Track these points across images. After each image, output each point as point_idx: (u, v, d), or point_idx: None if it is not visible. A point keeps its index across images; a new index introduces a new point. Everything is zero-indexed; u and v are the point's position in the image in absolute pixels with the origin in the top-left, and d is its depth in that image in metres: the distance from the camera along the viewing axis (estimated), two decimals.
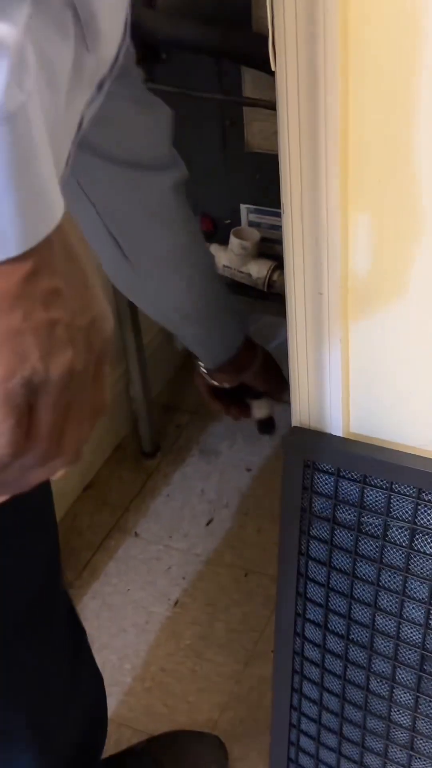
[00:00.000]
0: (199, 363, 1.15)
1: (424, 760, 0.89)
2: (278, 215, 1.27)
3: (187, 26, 1.10)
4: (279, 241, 1.30)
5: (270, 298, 1.35)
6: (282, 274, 1.29)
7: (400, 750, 0.91)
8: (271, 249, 1.31)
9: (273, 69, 0.68)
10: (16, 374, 0.46)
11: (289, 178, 0.71)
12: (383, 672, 0.88)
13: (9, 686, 0.88)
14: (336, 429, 0.84)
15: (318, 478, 0.85)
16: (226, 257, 1.30)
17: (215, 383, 1.14)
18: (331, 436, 0.84)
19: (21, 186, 0.43)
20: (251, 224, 1.30)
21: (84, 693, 1.03)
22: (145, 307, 1.09)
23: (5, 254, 0.43)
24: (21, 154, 0.43)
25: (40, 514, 0.86)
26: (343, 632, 0.89)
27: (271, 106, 1.11)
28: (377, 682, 0.89)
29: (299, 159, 0.69)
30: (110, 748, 1.29)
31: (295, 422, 0.86)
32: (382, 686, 0.89)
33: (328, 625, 0.90)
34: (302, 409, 0.85)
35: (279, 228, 1.28)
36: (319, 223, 0.72)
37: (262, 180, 1.24)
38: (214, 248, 1.32)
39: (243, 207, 1.29)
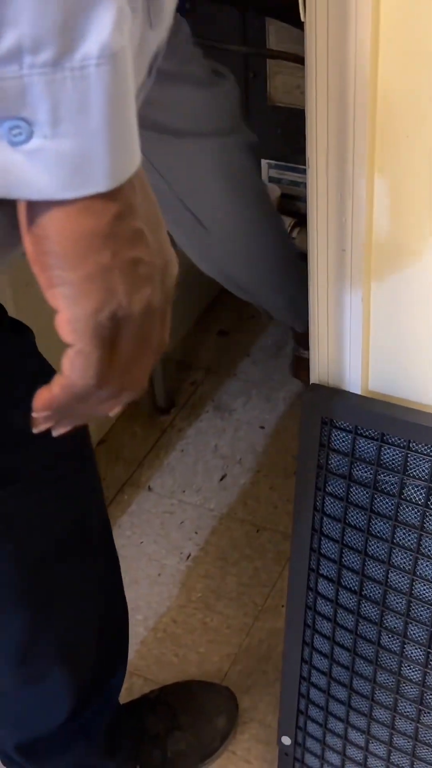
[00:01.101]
0: (302, 352, 1.18)
1: None
2: (299, 171, 1.26)
3: None
4: (299, 198, 1.30)
5: None
6: (301, 231, 1.28)
7: (410, 704, 0.92)
8: (291, 205, 1.30)
9: (302, 20, 0.67)
10: (105, 308, 0.49)
11: (316, 132, 0.70)
12: (395, 627, 0.89)
13: (42, 605, 0.91)
14: (354, 387, 0.84)
15: (335, 435, 0.86)
16: None
17: None
18: (349, 393, 0.84)
19: (115, 124, 0.45)
20: (271, 180, 1.29)
21: (111, 619, 1.05)
22: (223, 279, 1.12)
23: (96, 188, 0.45)
24: (119, 94, 0.44)
25: (79, 444, 0.88)
26: (356, 588, 0.90)
27: (296, 59, 1.09)
28: (389, 637, 0.90)
29: (326, 113, 0.69)
30: (123, 696, 1.31)
31: (313, 379, 0.86)
32: (394, 642, 0.90)
33: (341, 581, 0.91)
34: (321, 366, 0.85)
35: (299, 184, 1.28)
36: (344, 179, 0.71)
37: (284, 135, 1.23)
38: None
39: (264, 162, 1.28)
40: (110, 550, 1.01)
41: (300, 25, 1.03)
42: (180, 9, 1.19)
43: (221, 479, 1.61)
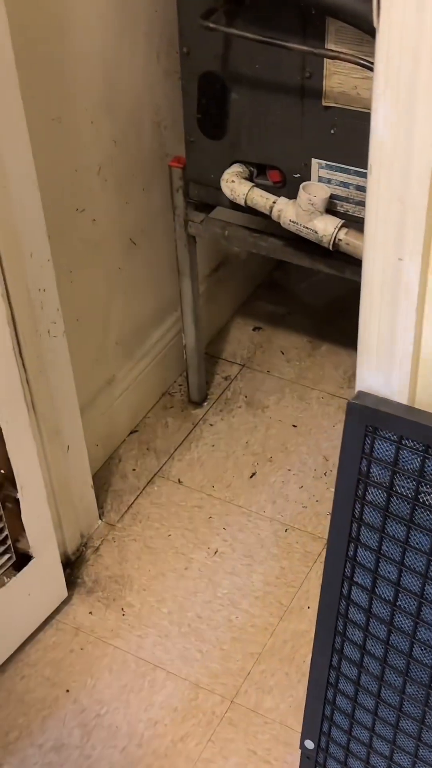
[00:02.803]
0: None
1: None
2: (350, 172, 1.25)
3: None
4: (348, 199, 1.29)
5: (332, 256, 1.33)
6: (349, 232, 1.27)
7: None
8: (339, 206, 1.29)
9: (375, 26, 0.66)
10: None
11: (380, 137, 0.70)
12: (428, 640, 0.88)
13: None
14: (401, 397, 0.83)
15: (379, 444, 0.85)
16: (293, 212, 1.28)
17: None
18: (395, 403, 0.83)
19: None
20: (321, 180, 1.28)
21: None
22: None
23: None
24: None
25: None
26: (390, 598, 0.90)
27: (355, 60, 1.08)
28: (421, 649, 0.89)
29: (394, 119, 0.68)
30: (145, 690, 1.32)
31: (360, 387, 0.85)
32: (426, 654, 0.89)
33: (376, 590, 0.91)
34: (369, 375, 0.84)
35: (349, 185, 1.26)
36: (408, 186, 0.70)
37: (337, 135, 1.22)
38: (282, 202, 1.30)
39: (314, 161, 1.27)
40: None
41: (364, 28, 1.02)
42: (240, 2, 1.18)
43: (251, 476, 1.61)
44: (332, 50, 1.10)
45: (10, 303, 1.15)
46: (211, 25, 1.16)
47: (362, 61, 1.06)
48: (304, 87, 1.20)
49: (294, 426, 1.69)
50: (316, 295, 1.97)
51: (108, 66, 1.33)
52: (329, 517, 0.92)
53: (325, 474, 1.60)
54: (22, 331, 1.19)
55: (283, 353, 1.84)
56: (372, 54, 0.70)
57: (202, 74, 1.29)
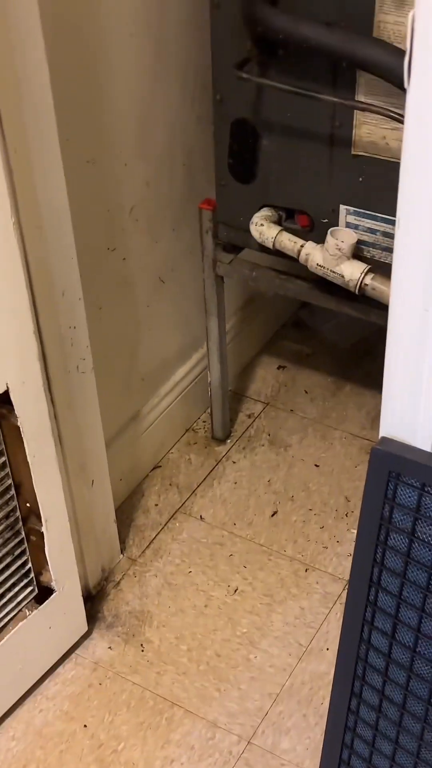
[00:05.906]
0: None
1: None
2: (377, 219, 1.27)
3: (312, 27, 1.10)
4: (375, 245, 1.31)
5: (358, 299, 1.35)
6: (375, 277, 1.29)
7: None
8: (365, 252, 1.31)
9: (405, 86, 0.68)
10: None
11: (410, 193, 0.71)
12: None
13: None
14: (425, 444, 0.84)
15: (401, 490, 0.86)
16: (320, 256, 1.30)
17: None
18: (419, 450, 0.84)
19: None
20: (348, 225, 1.30)
21: None
22: None
23: None
24: None
25: None
26: (410, 644, 0.90)
27: (385, 113, 1.10)
28: None
29: (422, 177, 0.70)
30: (162, 727, 1.32)
31: (383, 433, 0.87)
32: None
33: (396, 635, 0.91)
34: (393, 421, 0.85)
35: (376, 232, 1.29)
36: None
37: (366, 183, 1.24)
38: (310, 246, 1.32)
39: (342, 207, 1.29)
40: None
41: (394, 82, 1.04)
42: (273, 54, 1.21)
43: (272, 515, 1.62)
44: (362, 102, 1.13)
45: (41, 340, 1.17)
46: (245, 75, 1.19)
47: (392, 114, 1.08)
48: (333, 136, 1.23)
49: (316, 465, 1.70)
50: (340, 335, 1.99)
51: (142, 110, 1.37)
52: (350, 558, 0.93)
53: (346, 515, 1.61)
54: (52, 368, 1.22)
55: (306, 392, 1.86)
56: (401, 106, 0.72)
57: (234, 121, 1.32)
